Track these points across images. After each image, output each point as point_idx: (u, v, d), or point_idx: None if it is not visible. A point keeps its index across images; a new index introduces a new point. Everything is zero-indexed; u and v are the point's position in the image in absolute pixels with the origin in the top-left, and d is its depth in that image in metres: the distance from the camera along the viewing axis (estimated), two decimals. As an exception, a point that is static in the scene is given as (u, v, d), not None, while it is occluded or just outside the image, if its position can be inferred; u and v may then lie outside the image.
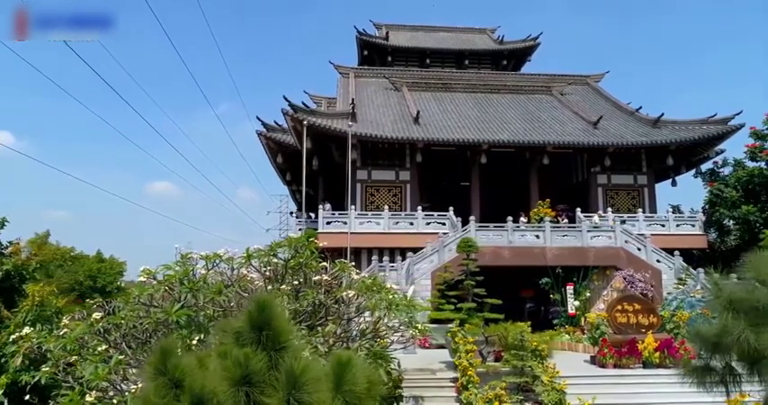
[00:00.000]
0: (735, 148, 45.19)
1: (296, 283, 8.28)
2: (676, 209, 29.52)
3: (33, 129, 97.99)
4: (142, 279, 6.96)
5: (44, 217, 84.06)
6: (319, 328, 7.92)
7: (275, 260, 8.26)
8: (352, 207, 24.43)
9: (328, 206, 25.74)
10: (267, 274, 8.35)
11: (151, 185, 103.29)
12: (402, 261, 20.91)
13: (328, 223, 23.73)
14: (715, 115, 25.99)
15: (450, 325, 14.46)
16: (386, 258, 22.44)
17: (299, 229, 26.09)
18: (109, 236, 78.80)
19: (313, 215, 27.46)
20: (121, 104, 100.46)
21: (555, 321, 20.52)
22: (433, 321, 17.33)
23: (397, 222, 23.89)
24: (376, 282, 8.89)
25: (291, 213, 26.65)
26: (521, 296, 24.24)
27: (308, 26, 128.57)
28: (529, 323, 12.43)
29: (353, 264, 25.81)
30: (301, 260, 8.20)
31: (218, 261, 7.50)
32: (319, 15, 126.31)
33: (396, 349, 17.70)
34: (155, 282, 6.84)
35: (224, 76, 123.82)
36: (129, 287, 17.83)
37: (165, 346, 2.92)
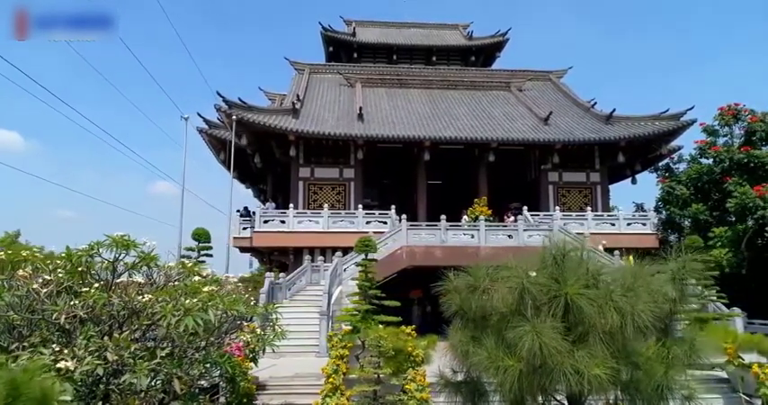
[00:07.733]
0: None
1: (97, 286, 7.78)
2: (640, 207, 28.68)
3: (40, 128, 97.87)
4: None
5: (53, 216, 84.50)
6: (116, 335, 7.44)
7: (98, 260, 7.75)
8: (292, 205, 23.88)
9: (268, 204, 25.23)
10: (95, 275, 7.86)
11: (154, 185, 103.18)
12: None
13: (265, 222, 23.13)
14: (667, 111, 25.17)
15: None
16: (320, 258, 21.90)
17: (243, 228, 25.57)
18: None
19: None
20: (124, 105, 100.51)
21: (489, 323, 19.84)
22: (353, 324, 16.78)
23: (337, 221, 23.26)
24: (193, 284, 8.32)
25: (237, 211, 26.07)
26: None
27: (306, 25, 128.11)
28: (414, 327, 11.76)
29: (292, 264, 24.75)
30: (136, 260, 7.71)
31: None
32: (317, 14, 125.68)
33: (309, 353, 17.15)
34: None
35: (224, 75, 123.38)
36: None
37: None
